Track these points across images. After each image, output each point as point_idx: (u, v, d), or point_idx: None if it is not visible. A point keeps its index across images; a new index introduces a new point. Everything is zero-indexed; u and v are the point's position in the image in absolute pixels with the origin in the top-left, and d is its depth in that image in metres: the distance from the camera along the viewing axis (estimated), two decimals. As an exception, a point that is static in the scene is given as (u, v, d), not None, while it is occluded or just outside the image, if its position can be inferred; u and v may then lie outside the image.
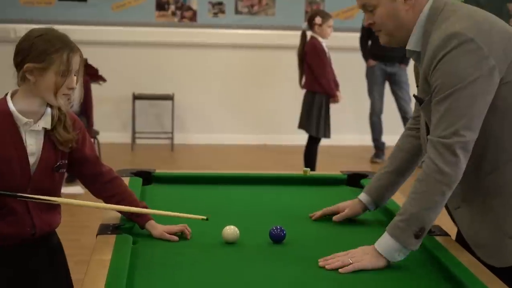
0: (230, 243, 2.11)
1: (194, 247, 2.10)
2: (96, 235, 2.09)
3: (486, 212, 2.01)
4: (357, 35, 7.25)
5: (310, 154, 6.09)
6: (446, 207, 2.07)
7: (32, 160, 2.11)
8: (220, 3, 8.01)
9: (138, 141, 7.83)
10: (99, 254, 1.92)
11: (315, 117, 5.96)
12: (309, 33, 6.00)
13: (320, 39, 5.92)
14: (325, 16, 5.91)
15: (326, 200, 2.55)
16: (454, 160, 1.89)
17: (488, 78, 1.88)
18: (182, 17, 8.01)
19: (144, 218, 2.19)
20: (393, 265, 1.95)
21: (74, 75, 2.09)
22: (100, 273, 1.78)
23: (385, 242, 1.95)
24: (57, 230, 2.29)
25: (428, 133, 2.05)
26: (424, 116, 2.06)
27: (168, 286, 1.80)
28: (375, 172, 2.46)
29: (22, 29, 7.17)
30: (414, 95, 2.11)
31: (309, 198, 2.69)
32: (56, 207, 2.23)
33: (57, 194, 2.22)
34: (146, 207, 2.23)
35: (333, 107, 6.09)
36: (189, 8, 8.00)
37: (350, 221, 2.38)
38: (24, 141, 2.10)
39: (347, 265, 1.92)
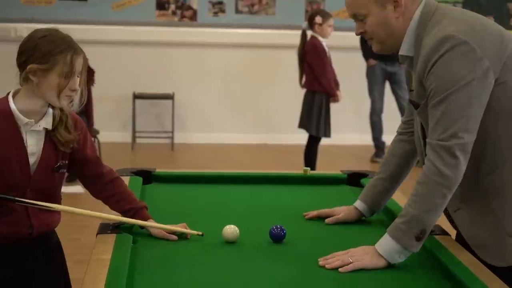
0: (230, 242, 2.11)
1: (194, 247, 2.09)
2: (96, 235, 2.09)
3: (485, 213, 2.01)
4: (357, 34, 7.24)
5: (310, 153, 6.09)
6: (445, 209, 2.07)
7: (32, 160, 2.11)
8: (221, 3, 8.01)
9: (138, 140, 7.83)
10: (99, 254, 1.92)
11: (315, 116, 5.96)
12: (309, 33, 6.00)
13: (320, 38, 5.92)
14: (326, 16, 5.91)
15: (326, 200, 2.55)
16: (454, 162, 1.89)
17: (482, 80, 1.88)
18: (182, 16, 8.01)
19: (144, 217, 2.19)
20: (393, 265, 1.95)
21: (77, 77, 2.09)
22: (100, 272, 1.78)
23: (386, 244, 1.95)
24: (57, 229, 2.29)
25: (424, 136, 2.06)
26: (420, 120, 2.07)
27: (168, 285, 1.80)
28: (375, 171, 2.47)
29: (23, 28, 7.27)
30: (409, 100, 2.12)
31: (309, 197, 2.69)
32: (55, 207, 2.23)
33: (57, 194, 2.22)
34: (145, 207, 2.23)
35: (333, 107, 6.10)
36: (189, 8, 8.00)
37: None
38: (24, 141, 2.10)
39: (347, 264, 1.92)
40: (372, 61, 7.30)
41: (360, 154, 7.56)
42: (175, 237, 2.14)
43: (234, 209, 2.52)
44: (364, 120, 7.64)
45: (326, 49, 5.96)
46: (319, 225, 2.35)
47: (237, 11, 8.06)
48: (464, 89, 1.87)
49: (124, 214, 2.21)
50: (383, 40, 2.05)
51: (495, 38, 1.93)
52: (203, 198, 2.64)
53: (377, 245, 1.96)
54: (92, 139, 2.35)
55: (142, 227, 2.19)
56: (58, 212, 2.25)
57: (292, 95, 7.15)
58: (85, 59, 2.12)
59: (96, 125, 6.39)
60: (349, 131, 8.04)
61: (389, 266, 1.94)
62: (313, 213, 2.40)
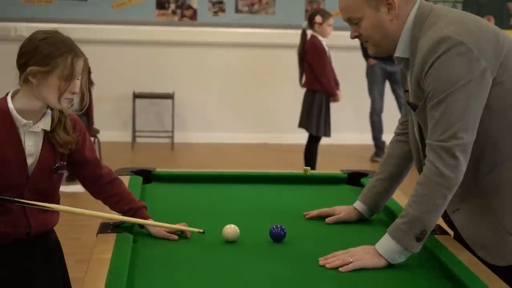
0: (230, 241, 2.11)
1: (194, 246, 2.09)
2: (97, 234, 2.09)
3: (485, 212, 2.01)
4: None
5: (311, 153, 6.09)
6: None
7: (30, 161, 2.11)
8: (221, 2, 8.01)
9: (138, 139, 7.83)
10: (99, 253, 1.92)
11: (315, 116, 5.96)
12: (309, 32, 6.00)
13: (320, 38, 5.92)
14: (326, 15, 5.91)
15: (326, 199, 2.55)
16: (454, 163, 1.89)
17: (480, 80, 1.89)
18: (182, 15, 8.01)
19: (143, 217, 2.19)
20: (393, 264, 1.95)
21: (77, 80, 2.08)
22: (100, 271, 1.78)
23: (386, 244, 1.95)
24: (58, 228, 2.29)
25: (421, 137, 2.07)
26: (418, 121, 2.07)
27: (168, 284, 1.80)
28: (375, 171, 2.47)
29: (23, 27, 7.28)
30: (407, 102, 2.12)
31: (309, 197, 2.69)
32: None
33: (56, 194, 2.21)
34: (144, 207, 2.23)
35: (333, 106, 6.10)
36: (189, 7, 8.00)
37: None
38: (22, 142, 2.09)
39: (347, 264, 1.92)
40: (372, 61, 7.30)
41: (360, 154, 7.56)
42: (175, 237, 2.14)
43: (234, 208, 2.52)
44: (364, 120, 7.65)
45: (326, 48, 5.96)
46: (319, 224, 2.35)
47: (237, 10, 8.06)
48: (462, 90, 1.88)
49: (123, 214, 2.20)
50: (378, 42, 2.05)
51: (491, 38, 1.94)
52: (203, 198, 2.64)
53: (377, 245, 1.96)
54: (92, 139, 2.34)
55: (142, 226, 2.19)
56: (56, 212, 2.24)
57: (292, 94, 7.15)
58: (86, 62, 2.11)
59: (96, 125, 6.39)
60: (349, 130, 8.04)
61: (389, 265, 1.94)
62: (313, 212, 2.40)
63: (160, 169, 2.88)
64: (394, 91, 7.42)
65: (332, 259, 1.94)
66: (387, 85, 7.48)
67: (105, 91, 7.13)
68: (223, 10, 8.03)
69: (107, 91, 7.47)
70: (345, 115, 7.70)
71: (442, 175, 1.90)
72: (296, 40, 6.15)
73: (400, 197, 2.47)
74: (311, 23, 5.91)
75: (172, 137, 7.79)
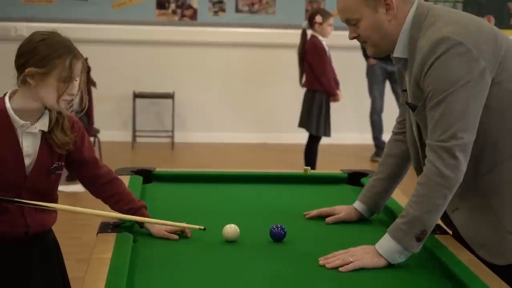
0: (230, 241, 2.11)
1: (194, 246, 2.10)
2: (97, 233, 2.09)
3: (485, 211, 2.01)
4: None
5: (311, 152, 6.09)
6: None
7: (28, 161, 2.11)
8: (221, 2, 8.01)
9: (138, 139, 7.83)
10: (99, 252, 1.93)
11: (315, 115, 5.96)
12: (309, 32, 6.00)
13: (320, 37, 5.92)
14: (326, 15, 5.91)
15: (326, 199, 2.55)
16: (454, 163, 1.90)
17: (479, 80, 1.89)
18: (183, 15, 8.01)
19: (144, 217, 2.18)
20: (393, 264, 1.95)
21: (76, 81, 2.08)
22: (100, 271, 1.78)
23: (386, 244, 1.95)
24: (59, 228, 2.29)
25: (420, 137, 2.07)
26: (418, 122, 2.07)
27: (168, 284, 1.80)
28: (375, 170, 2.47)
29: (23, 27, 7.28)
30: (406, 102, 2.12)
31: (310, 196, 2.69)
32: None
33: (53, 194, 2.21)
34: (144, 206, 2.23)
35: (333, 106, 6.10)
36: (190, 7, 8.00)
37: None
38: (20, 143, 2.09)
39: (347, 264, 1.92)
40: (372, 61, 7.30)
41: (360, 154, 7.56)
42: (176, 236, 2.14)
43: (234, 208, 2.52)
44: (364, 119, 7.64)
45: (326, 48, 5.96)
46: (320, 224, 2.35)
47: (237, 10, 8.06)
48: (461, 90, 1.88)
49: (123, 214, 2.21)
50: (377, 43, 2.05)
51: (490, 38, 1.94)
52: (203, 197, 2.64)
53: (377, 245, 1.97)
54: (91, 139, 2.34)
55: (142, 226, 2.19)
56: (54, 212, 2.24)
57: (292, 94, 7.16)
58: (84, 64, 2.11)
59: (96, 124, 6.38)
60: (349, 130, 8.04)
61: (389, 265, 1.94)
62: (314, 212, 2.40)
63: (160, 169, 2.88)
64: (394, 91, 7.42)
65: (332, 259, 1.95)
66: (387, 85, 7.48)
67: (105, 90, 7.13)
68: (223, 10, 8.03)
69: (107, 90, 7.46)
70: (345, 115, 7.70)
71: (442, 175, 1.90)
72: (296, 40, 6.15)
73: (400, 197, 2.48)
74: (311, 23, 5.91)
75: (172, 137, 7.80)
